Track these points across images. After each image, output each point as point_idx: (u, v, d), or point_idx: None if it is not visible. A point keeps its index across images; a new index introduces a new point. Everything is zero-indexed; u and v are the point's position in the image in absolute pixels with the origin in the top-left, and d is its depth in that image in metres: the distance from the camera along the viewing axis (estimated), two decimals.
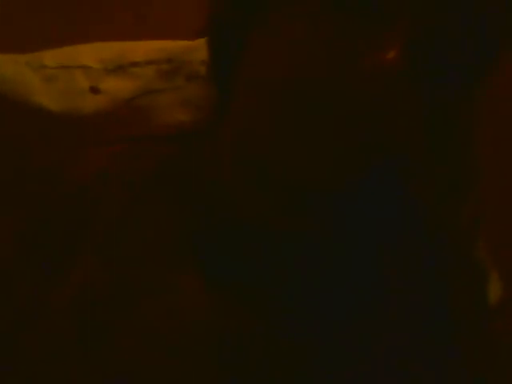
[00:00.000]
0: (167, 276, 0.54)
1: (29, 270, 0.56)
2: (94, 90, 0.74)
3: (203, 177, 0.59)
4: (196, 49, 0.70)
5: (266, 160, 0.53)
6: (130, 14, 0.94)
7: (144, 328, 0.52)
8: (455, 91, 0.52)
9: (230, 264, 0.55)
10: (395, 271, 0.58)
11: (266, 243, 0.55)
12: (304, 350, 0.52)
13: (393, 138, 0.50)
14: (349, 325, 0.54)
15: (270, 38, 0.49)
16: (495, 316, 0.70)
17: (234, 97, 0.55)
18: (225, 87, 0.56)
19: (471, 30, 0.49)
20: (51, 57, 0.78)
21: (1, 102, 0.74)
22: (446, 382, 0.57)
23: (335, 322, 0.54)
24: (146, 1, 0.94)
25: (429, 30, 0.47)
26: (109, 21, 0.93)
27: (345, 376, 0.53)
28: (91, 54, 0.79)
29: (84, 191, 0.58)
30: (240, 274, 0.55)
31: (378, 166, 0.54)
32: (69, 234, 0.57)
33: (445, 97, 0.52)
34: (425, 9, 0.47)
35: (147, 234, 0.56)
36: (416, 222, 0.61)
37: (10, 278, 0.56)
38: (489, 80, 0.55)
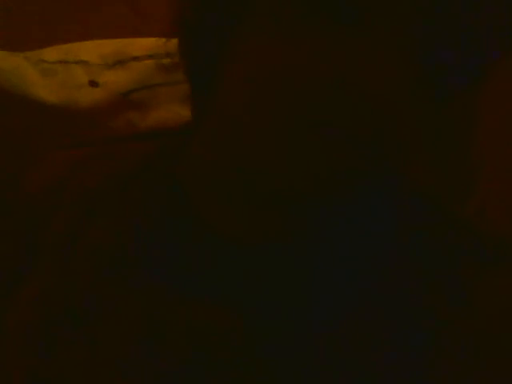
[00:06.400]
0: (115, 290, 0.52)
1: None
2: (93, 84, 0.74)
3: (175, 182, 0.56)
4: None
5: (249, 165, 0.50)
6: (129, 10, 0.94)
7: (89, 341, 0.51)
8: (457, 89, 0.51)
9: (198, 276, 0.52)
10: (381, 284, 0.55)
11: (238, 256, 0.53)
12: (276, 364, 0.50)
13: (394, 137, 0.48)
14: (326, 341, 0.52)
15: (254, 44, 0.48)
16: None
17: (214, 97, 0.52)
18: (203, 86, 0.53)
19: (470, 31, 0.48)
20: (50, 52, 0.78)
21: None
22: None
23: (310, 337, 0.52)
24: None
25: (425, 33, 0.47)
26: (108, 17, 0.92)
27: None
28: (91, 50, 0.78)
29: (37, 200, 0.56)
30: (210, 287, 0.52)
31: (369, 176, 0.51)
32: (23, 245, 0.55)
33: (446, 95, 0.51)
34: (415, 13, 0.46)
35: (98, 246, 0.54)
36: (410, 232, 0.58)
37: None
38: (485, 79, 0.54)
